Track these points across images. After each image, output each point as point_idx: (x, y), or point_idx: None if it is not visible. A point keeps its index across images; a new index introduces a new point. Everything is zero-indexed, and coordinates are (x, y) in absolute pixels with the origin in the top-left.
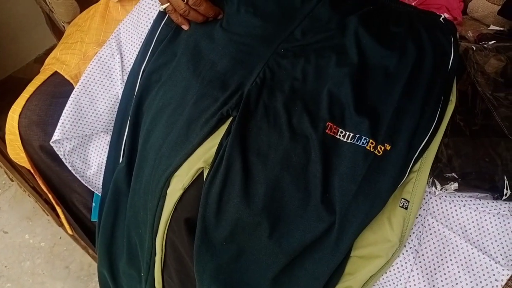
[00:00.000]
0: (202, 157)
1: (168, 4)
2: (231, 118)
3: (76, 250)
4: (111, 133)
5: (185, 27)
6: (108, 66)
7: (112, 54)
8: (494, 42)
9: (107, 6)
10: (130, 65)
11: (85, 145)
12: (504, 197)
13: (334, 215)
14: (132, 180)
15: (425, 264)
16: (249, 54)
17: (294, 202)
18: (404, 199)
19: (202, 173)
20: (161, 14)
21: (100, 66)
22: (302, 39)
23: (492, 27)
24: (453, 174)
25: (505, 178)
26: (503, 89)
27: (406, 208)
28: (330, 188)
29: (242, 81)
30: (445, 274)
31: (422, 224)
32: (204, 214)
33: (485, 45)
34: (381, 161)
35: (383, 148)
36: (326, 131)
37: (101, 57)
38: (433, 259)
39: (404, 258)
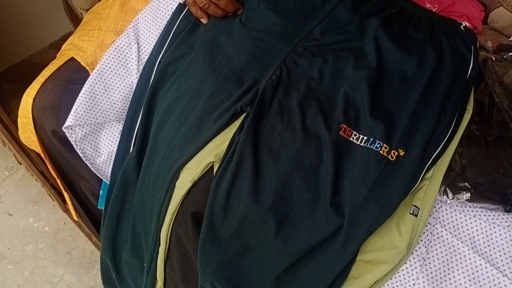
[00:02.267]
0: (213, 151)
1: None
2: (244, 114)
3: (79, 237)
4: (123, 122)
5: (204, 20)
6: (125, 56)
7: (130, 44)
8: None
9: None
10: (146, 55)
11: (97, 133)
12: None
13: (343, 218)
14: (141, 170)
15: (431, 273)
16: (267, 51)
17: (303, 202)
18: (415, 206)
19: (212, 167)
20: (181, 7)
21: (116, 55)
22: (321, 39)
23: None
24: (466, 184)
25: None
26: None
27: (416, 215)
28: (340, 191)
29: (258, 77)
30: (451, 284)
31: (431, 232)
32: (211, 208)
33: (504, 56)
34: (394, 166)
35: (396, 153)
36: (340, 133)
37: (118, 46)
38: (439, 268)
39: (411, 265)
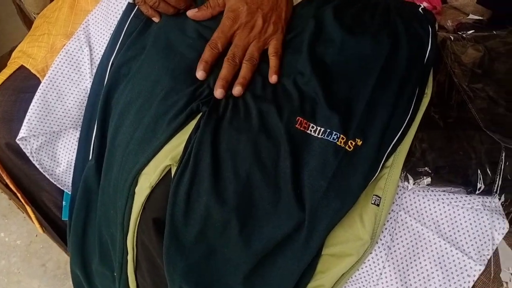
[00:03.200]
0: (170, 154)
1: None
2: (200, 114)
3: (53, 248)
4: (80, 129)
5: (155, 19)
6: (77, 59)
7: (81, 47)
8: (473, 32)
9: None
10: (99, 58)
11: (53, 142)
12: (477, 191)
13: (305, 212)
14: (101, 178)
15: (397, 260)
16: None
17: (265, 198)
18: (376, 195)
19: (170, 170)
20: (131, 6)
21: (68, 59)
22: None
23: (471, 16)
24: (426, 168)
25: (479, 172)
26: (480, 80)
27: (378, 205)
28: (300, 185)
29: (213, 76)
30: (417, 270)
31: (395, 220)
32: (172, 213)
33: (463, 35)
34: (352, 156)
35: (354, 143)
36: (296, 126)
37: (69, 50)
38: (405, 255)
39: (376, 255)
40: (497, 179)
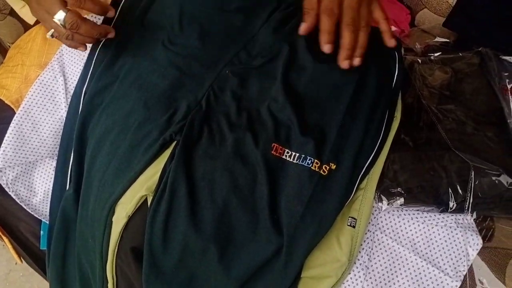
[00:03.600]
0: (145, 184)
1: (53, 30)
2: (175, 143)
3: (34, 276)
4: (56, 158)
5: (81, 49)
6: (51, 89)
7: (55, 77)
8: (440, 54)
9: None
10: (74, 87)
11: (30, 172)
12: (450, 210)
13: (283, 237)
14: (79, 207)
15: (375, 280)
16: (193, 77)
17: (243, 225)
18: (352, 217)
19: (146, 200)
20: None
21: (42, 89)
22: (247, 62)
23: (438, 38)
24: (399, 189)
25: (450, 190)
26: (448, 101)
27: (354, 227)
28: (277, 210)
29: (186, 104)
30: None
31: (371, 240)
32: (150, 242)
33: (431, 57)
34: (327, 180)
35: (328, 167)
36: (272, 152)
37: (43, 80)
38: (383, 274)
39: (355, 275)
40: (468, 197)
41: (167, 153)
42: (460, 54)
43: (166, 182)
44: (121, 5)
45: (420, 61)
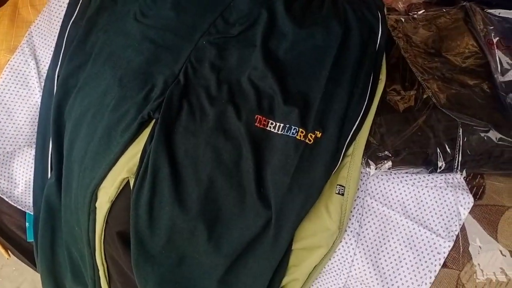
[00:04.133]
0: (126, 166)
1: None
2: (154, 121)
3: (26, 269)
4: (35, 146)
5: None
6: (23, 74)
7: (26, 60)
8: (423, 12)
9: (15, 8)
10: (46, 70)
11: (8, 163)
12: (439, 170)
13: (271, 210)
14: (62, 196)
15: (367, 246)
16: (168, 50)
17: (230, 200)
18: (340, 185)
19: (129, 182)
20: (69, 12)
21: (13, 75)
22: (224, 30)
23: None
24: (386, 152)
25: (438, 150)
26: (433, 59)
27: (342, 194)
28: (264, 183)
29: (163, 79)
30: (388, 253)
31: (361, 206)
32: (136, 225)
33: (414, 16)
34: (313, 149)
35: (313, 136)
36: (256, 124)
37: (13, 65)
38: (375, 240)
39: (346, 243)
40: (457, 156)
41: (146, 132)
42: (444, 10)
43: (148, 162)
44: None
45: (403, 19)
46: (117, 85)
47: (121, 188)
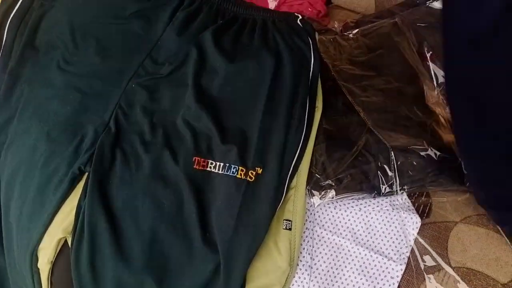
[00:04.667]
0: (61, 225)
1: None
2: (86, 175)
3: None
4: None
5: None
6: None
7: None
8: (357, 30)
9: None
10: None
11: None
12: (382, 194)
13: (219, 254)
14: (5, 256)
15: (321, 278)
16: (96, 97)
17: (176, 250)
18: (287, 220)
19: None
20: None
21: None
22: (154, 71)
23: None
24: (328, 181)
25: (379, 174)
26: (364, 78)
27: (290, 229)
28: (209, 227)
29: (93, 128)
30: (342, 282)
31: (311, 237)
32: (80, 285)
33: (350, 35)
34: (255, 187)
35: (254, 172)
36: (194, 166)
37: None
38: (328, 271)
39: (299, 278)
40: (394, 178)
41: (80, 187)
42: (375, 27)
43: (83, 219)
44: (7, 25)
45: (332, 40)
46: (45, 140)
47: (59, 248)
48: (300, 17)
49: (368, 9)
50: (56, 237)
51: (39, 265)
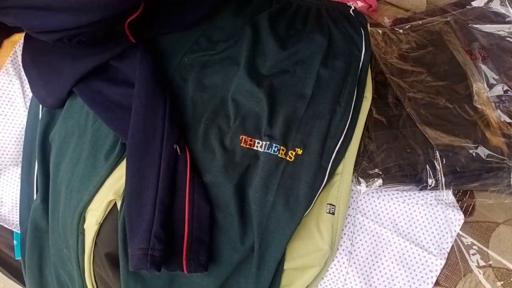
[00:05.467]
0: (112, 188)
1: None
2: None
3: (14, 286)
4: (21, 165)
5: None
6: (8, 94)
7: (11, 80)
8: (409, 26)
9: None
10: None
11: None
12: (429, 187)
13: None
14: (49, 217)
15: (359, 265)
16: None
17: (218, 220)
18: (330, 204)
19: (116, 204)
20: None
21: None
22: (208, 48)
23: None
24: (376, 170)
25: (428, 167)
26: (414, 73)
27: (333, 214)
28: (246, 202)
29: None
30: (380, 271)
31: (352, 224)
32: (125, 247)
33: (400, 30)
34: (295, 166)
35: (294, 153)
36: (242, 144)
37: None
38: (367, 258)
39: (338, 262)
40: (440, 176)
41: None
42: (428, 24)
43: None
44: None
45: (381, 32)
46: None
47: (108, 210)
48: (353, 7)
49: (419, 7)
50: (106, 199)
51: (85, 226)
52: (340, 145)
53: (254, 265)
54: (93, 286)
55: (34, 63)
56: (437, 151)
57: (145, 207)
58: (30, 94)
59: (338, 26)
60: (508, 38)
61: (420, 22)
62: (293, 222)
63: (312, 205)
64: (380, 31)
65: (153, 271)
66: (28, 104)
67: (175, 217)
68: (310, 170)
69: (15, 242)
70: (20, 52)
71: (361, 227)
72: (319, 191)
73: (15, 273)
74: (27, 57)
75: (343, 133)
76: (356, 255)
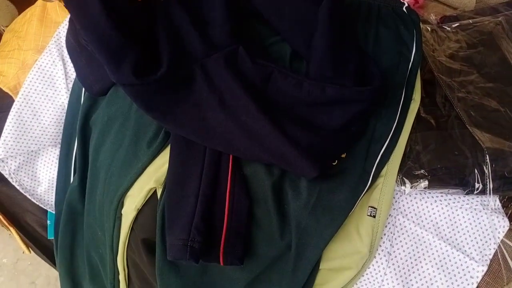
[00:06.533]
0: (153, 176)
1: None
2: None
3: (42, 264)
4: (60, 146)
5: None
6: (50, 74)
7: (54, 61)
8: (457, 24)
9: (45, 8)
10: (74, 72)
11: (33, 161)
12: (476, 191)
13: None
14: (85, 200)
15: (398, 266)
16: None
17: (256, 215)
18: (372, 207)
19: (156, 191)
20: None
21: (41, 75)
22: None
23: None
24: (422, 171)
25: (476, 171)
26: (463, 73)
27: (374, 217)
28: (287, 200)
29: None
30: (419, 274)
31: (393, 225)
32: (162, 235)
33: (447, 28)
34: (338, 170)
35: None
36: None
37: (41, 65)
38: (406, 260)
39: (377, 262)
40: (488, 181)
41: None
42: (478, 23)
43: None
44: None
45: (429, 29)
46: None
47: (148, 197)
48: (406, 4)
49: (468, 5)
50: (147, 187)
51: (123, 211)
52: (385, 148)
53: (289, 265)
54: (124, 269)
55: (81, 49)
56: (486, 155)
57: (187, 198)
58: (72, 76)
59: (388, 24)
60: None
61: (470, 21)
62: (333, 227)
63: (353, 209)
64: (429, 28)
65: (191, 263)
66: (69, 86)
67: (215, 209)
68: (354, 174)
69: (48, 222)
70: (64, 33)
71: (401, 228)
72: (361, 196)
73: (46, 252)
74: (72, 42)
75: (388, 136)
76: (395, 257)
